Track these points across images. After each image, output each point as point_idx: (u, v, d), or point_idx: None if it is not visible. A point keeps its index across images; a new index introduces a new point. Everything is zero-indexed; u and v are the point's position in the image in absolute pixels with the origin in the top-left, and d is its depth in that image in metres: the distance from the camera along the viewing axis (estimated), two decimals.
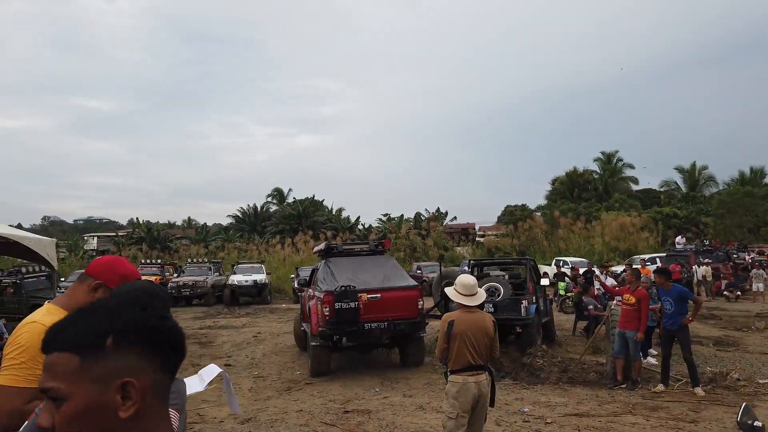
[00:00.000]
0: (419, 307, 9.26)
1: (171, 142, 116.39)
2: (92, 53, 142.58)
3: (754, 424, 5.81)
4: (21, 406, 1.96)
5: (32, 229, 46.02)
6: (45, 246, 10.73)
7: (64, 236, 49.51)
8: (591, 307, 12.08)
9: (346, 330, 9.01)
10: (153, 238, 44.60)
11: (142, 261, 28.23)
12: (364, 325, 8.90)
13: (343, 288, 9.00)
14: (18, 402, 1.96)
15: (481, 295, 4.71)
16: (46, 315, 2.13)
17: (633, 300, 8.05)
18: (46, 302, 2.27)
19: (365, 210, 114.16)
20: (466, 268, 16.44)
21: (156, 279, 23.08)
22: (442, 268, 14.96)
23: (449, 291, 4.78)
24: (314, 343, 9.19)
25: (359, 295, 8.95)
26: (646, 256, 23.53)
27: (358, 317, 8.84)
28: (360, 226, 46.55)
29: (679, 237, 28.61)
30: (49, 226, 68.96)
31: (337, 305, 8.80)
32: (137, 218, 51.77)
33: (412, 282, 9.99)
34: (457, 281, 4.74)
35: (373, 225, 46.22)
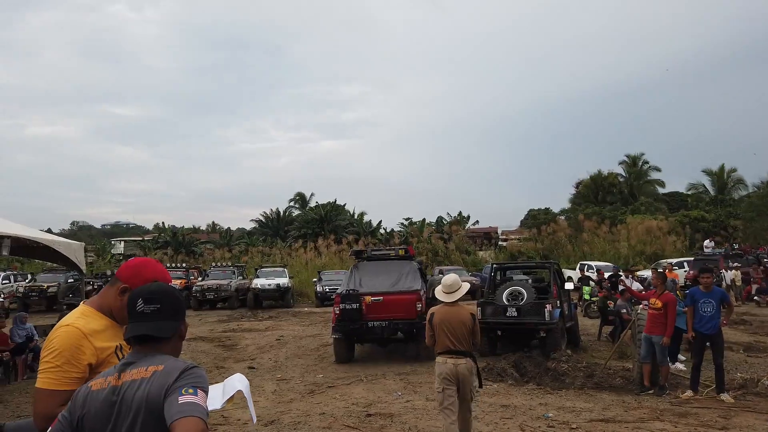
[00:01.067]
0: (417, 309, 10.23)
1: (196, 147, 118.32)
2: (120, 61, 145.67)
3: None
4: (57, 408, 1.99)
5: (61, 234, 47.01)
6: (74, 250, 10.97)
7: (92, 241, 50.51)
8: (624, 311, 11.76)
9: (350, 327, 10.29)
10: (178, 242, 45.27)
11: (168, 265, 28.67)
12: (367, 323, 10.22)
13: (347, 291, 10.49)
14: (54, 405, 2.00)
15: (461, 291, 5.50)
16: (80, 317, 2.16)
17: (659, 304, 7.90)
18: (81, 303, 2.31)
19: (387, 214, 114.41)
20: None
21: (181, 283, 23.44)
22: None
23: (437, 290, 5.64)
24: (335, 336, 10.60)
25: (363, 297, 10.28)
26: (673, 260, 23.13)
27: (361, 316, 10.18)
28: (382, 231, 46.60)
29: (708, 240, 28.04)
30: (78, 231, 70.38)
31: (342, 306, 10.26)
32: (163, 223, 52.53)
33: (416, 287, 10.66)
34: (441, 281, 5.60)
35: (395, 229, 46.25)
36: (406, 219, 47.94)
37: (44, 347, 2.12)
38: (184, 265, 29.52)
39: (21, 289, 22.50)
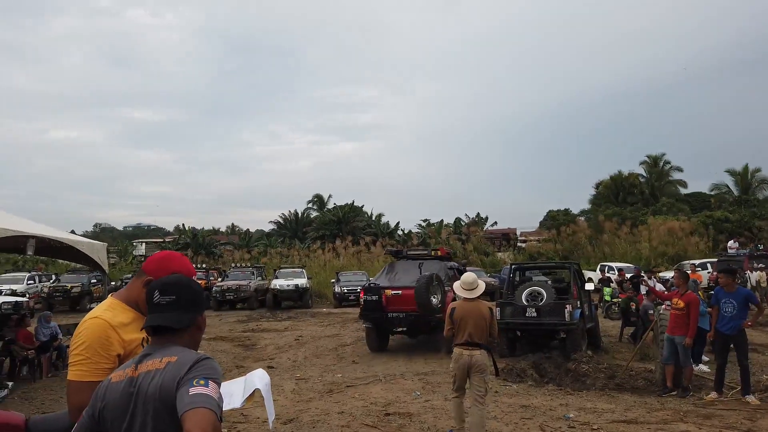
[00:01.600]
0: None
1: (216, 151, 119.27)
2: (140, 66, 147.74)
3: None
4: (89, 399, 2.02)
5: (84, 236, 47.81)
6: (97, 250, 11.16)
7: (114, 242, 51.22)
8: (651, 312, 11.51)
9: (371, 316, 11.36)
10: (198, 243, 45.72)
11: None
12: (387, 314, 11.17)
13: (370, 284, 11.81)
14: (87, 396, 2.00)
15: (480, 289, 5.95)
16: (108, 310, 2.19)
17: (682, 304, 7.78)
18: (109, 296, 2.34)
19: (405, 216, 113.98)
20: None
21: (201, 283, 23.68)
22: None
23: (455, 286, 6.10)
24: (365, 326, 11.82)
25: (384, 290, 11.23)
26: (697, 261, 22.74)
27: (382, 308, 11.16)
28: (399, 232, 46.56)
29: (731, 241, 27.49)
30: (100, 233, 71.54)
31: (365, 297, 11.39)
32: (183, 224, 53.10)
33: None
34: (461, 278, 6.08)
35: (413, 230, 46.19)
36: (424, 220, 47.90)
37: (73, 340, 2.15)
38: (204, 266, 29.83)
39: (45, 290, 22.93)
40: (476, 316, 5.77)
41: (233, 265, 29.10)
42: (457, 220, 46.34)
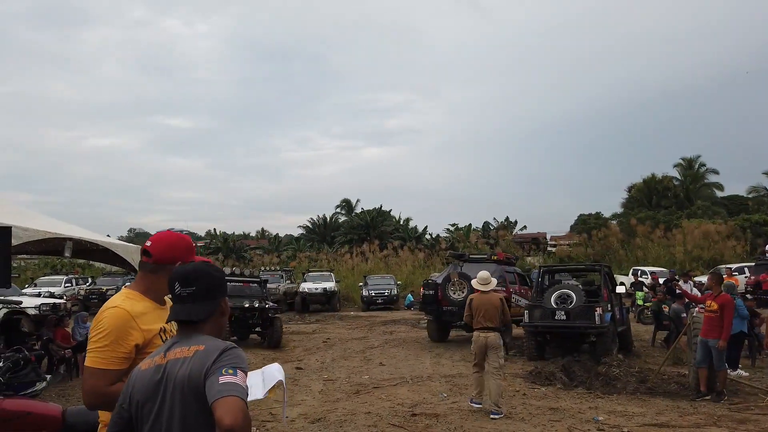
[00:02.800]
0: None
1: (246, 157, 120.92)
2: (173, 74, 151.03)
3: None
4: (103, 386, 2.06)
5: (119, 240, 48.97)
6: (131, 252, 11.43)
7: None
8: (684, 315, 11.24)
9: (428, 309, 12.86)
10: (229, 248, 46.49)
11: None
12: (442, 307, 12.46)
13: (427, 281, 13.43)
14: (101, 382, 2.07)
15: (492, 284, 7.42)
16: (126, 300, 2.23)
17: (715, 306, 7.59)
18: (123, 287, 2.39)
19: (432, 220, 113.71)
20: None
21: None
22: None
23: (473, 282, 7.75)
24: (427, 318, 13.38)
25: (439, 287, 12.56)
26: (733, 266, 22.12)
27: (437, 301, 12.51)
28: (427, 236, 46.47)
29: None
30: (135, 238, 73.17)
31: (424, 292, 12.98)
32: (214, 229, 54.05)
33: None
34: (477, 275, 7.64)
35: (441, 235, 46.02)
36: (452, 225, 47.72)
37: (93, 328, 2.17)
38: (234, 269, 30.23)
39: (82, 292, 23.60)
40: (489, 305, 7.11)
41: (263, 268, 29.45)
42: (486, 224, 46.05)
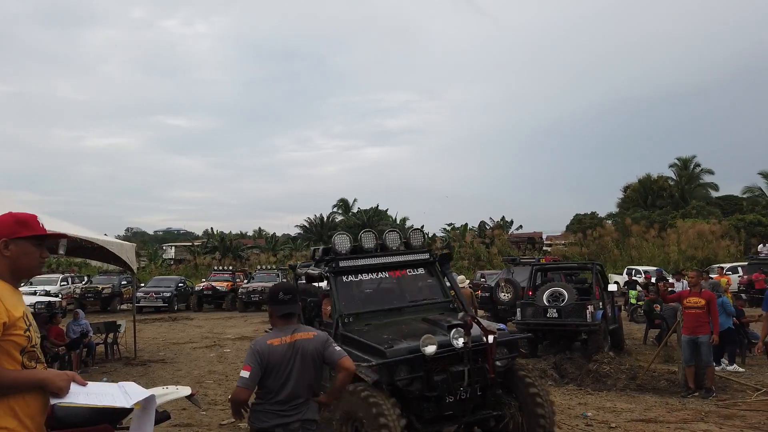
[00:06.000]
0: None
1: (246, 157, 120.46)
2: (174, 74, 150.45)
3: None
4: None
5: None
6: (126, 250, 11.49)
7: (144, 246, 52.29)
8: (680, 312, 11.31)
9: (486, 307, 15.35)
10: (226, 247, 46.49)
11: (215, 268, 29.51)
12: (497, 306, 14.22)
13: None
14: None
15: (464, 281, 10.30)
16: None
17: (702, 302, 7.67)
18: None
19: (429, 220, 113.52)
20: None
21: (227, 285, 24.11)
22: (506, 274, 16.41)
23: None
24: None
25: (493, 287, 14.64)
26: (726, 265, 22.26)
27: (492, 301, 14.64)
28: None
29: (762, 245, 26.81)
30: (132, 237, 73.04)
31: (480, 294, 15.38)
32: (212, 228, 54.03)
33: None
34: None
35: (438, 234, 46.10)
36: (449, 224, 47.77)
37: None
38: (230, 268, 30.29)
39: (78, 291, 23.59)
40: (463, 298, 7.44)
41: (259, 267, 29.48)
42: (482, 223, 46.11)
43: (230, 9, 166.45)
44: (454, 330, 4.81)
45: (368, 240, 6.15)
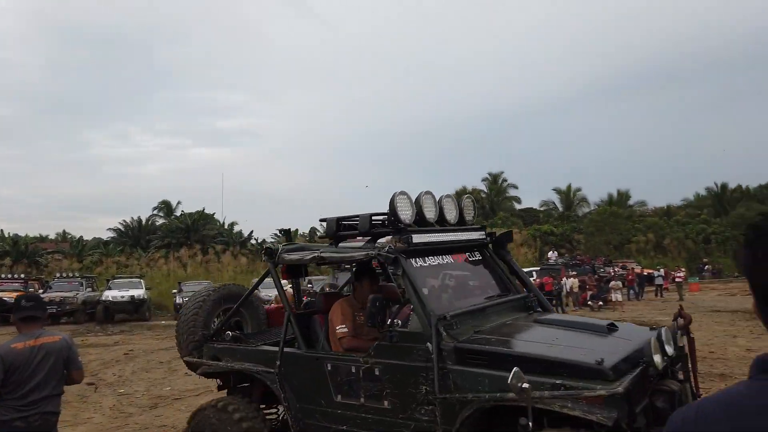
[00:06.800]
0: None
1: (53, 150, 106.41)
2: None
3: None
4: None
5: None
6: None
7: None
8: None
9: None
10: (20, 252, 40.69)
11: (2, 276, 25.70)
12: None
13: None
14: None
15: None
16: None
17: None
18: None
19: (261, 225, 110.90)
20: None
21: (16, 295, 21.13)
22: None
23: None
24: None
25: None
26: (524, 270, 25.12)
27: None
28: (253, 241, 45.52)
29: (551, 252, 30.79)
30: None
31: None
32: (1, 230, 47.05)
33: None
34: None
35: (267, 240, 45.41)
36: (281, 230, 47.28)
37: None
38: (23, 276, 26.58)
39: None
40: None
41: (58, 274, 26.29)
42: (313, 229, 46.41)
43: None
44: (662, 329, 3.46)
45: (429, 206, 4.24)
